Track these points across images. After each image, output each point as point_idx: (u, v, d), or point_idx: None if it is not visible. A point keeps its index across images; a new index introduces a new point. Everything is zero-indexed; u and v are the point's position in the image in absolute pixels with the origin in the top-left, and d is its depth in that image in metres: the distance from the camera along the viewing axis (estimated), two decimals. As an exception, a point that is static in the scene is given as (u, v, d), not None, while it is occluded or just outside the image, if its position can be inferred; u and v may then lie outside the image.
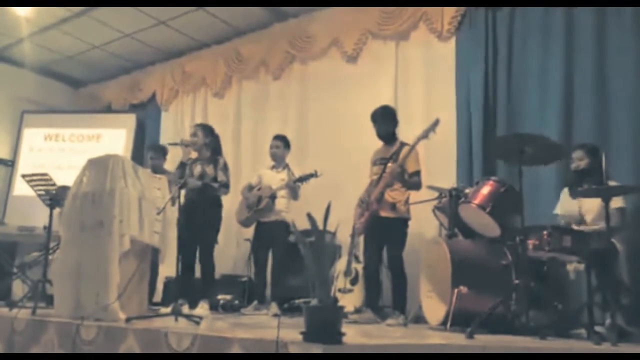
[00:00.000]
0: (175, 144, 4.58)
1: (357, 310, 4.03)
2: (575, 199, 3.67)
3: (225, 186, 4.57)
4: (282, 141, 5.03)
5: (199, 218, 4.42)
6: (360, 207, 4.03)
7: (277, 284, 4.75)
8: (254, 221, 4.91)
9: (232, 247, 5.80)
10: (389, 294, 4.07)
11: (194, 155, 4.62)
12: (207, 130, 4.71)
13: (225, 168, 4.61)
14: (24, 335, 3.08)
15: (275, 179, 4.88)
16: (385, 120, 4.14)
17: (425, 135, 3.82)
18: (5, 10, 6.02)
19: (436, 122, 3.83)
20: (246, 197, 4.92)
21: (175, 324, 2.84)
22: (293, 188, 4.74)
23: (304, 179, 4.69)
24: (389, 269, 3.98)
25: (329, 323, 1.99)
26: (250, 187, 4.97)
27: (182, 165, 4.53)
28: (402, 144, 4.03)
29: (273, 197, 4.77)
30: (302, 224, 2.31)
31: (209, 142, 4.63)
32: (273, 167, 5.02)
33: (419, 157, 4.02)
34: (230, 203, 5.06)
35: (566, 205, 3.82)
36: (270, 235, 4.80)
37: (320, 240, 2.11)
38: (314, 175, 4.66)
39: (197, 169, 4.55)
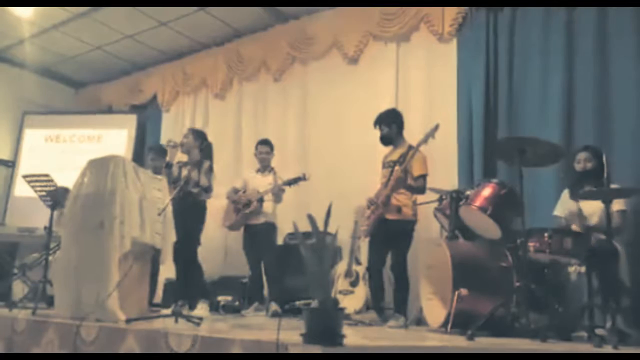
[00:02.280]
0: (166, 146, 4.64)
1: (358, 313, 4.03)
2: (577, 200, 3.67)
3: (206, 190, 4.55)
4: (270, 146, 5.10)
5: (181, 222, 4.39)
6: (369, 207, 4.03)
7: (273, 285, 4.76)
8: (242, 225, 4.95)
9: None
10: (389, 296, 4.06)
11: (182, 157, 4.63)
12: (200, 135, 4.74)
13: (209, 171, 4.58)
14: (24, 335, 3.07)
15: (262, 182, 4.94)
16: (387, 122, 4.14)
17: (425, 140, 3.87)
18: (7, 11, 6.03)
19: (436, 127, 3.88)
20: (233, 201, 4.93)
21: (175, 325, 2.84)
22: (279, 192, 4.81)
23: (291, 182, 4.75)
24: (392, 271, 3.97)
25: (329, 325, 1.99)
26: (235, 191, 4.97)
27: (168, 166, 4.56)
28: (410, 147, 4.01)
29: (261, 200, 4.83)
30: (303, 226, 2.30)
31: (198, 145, 4.64)
32: (259, 171, 5.08)
33: (426, 161, 4.01)
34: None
35: (567, 206, 3.82)
36: (260, 237, 4.86)
37: (320, 242, 2.11)
38: (301, 178, 4.71)
39: (185, 173, 4.58)
